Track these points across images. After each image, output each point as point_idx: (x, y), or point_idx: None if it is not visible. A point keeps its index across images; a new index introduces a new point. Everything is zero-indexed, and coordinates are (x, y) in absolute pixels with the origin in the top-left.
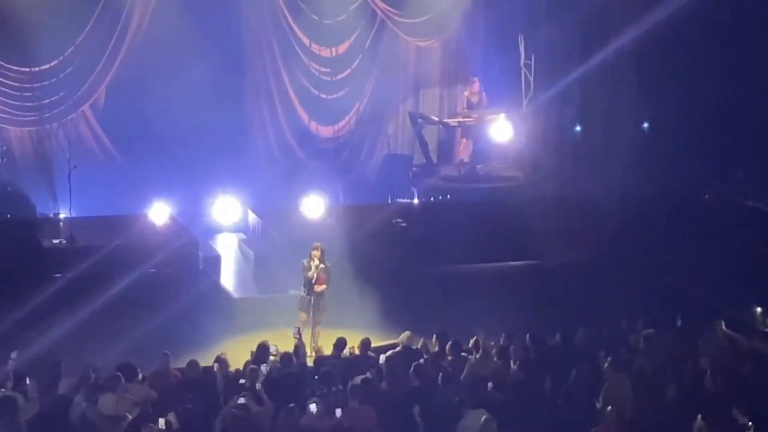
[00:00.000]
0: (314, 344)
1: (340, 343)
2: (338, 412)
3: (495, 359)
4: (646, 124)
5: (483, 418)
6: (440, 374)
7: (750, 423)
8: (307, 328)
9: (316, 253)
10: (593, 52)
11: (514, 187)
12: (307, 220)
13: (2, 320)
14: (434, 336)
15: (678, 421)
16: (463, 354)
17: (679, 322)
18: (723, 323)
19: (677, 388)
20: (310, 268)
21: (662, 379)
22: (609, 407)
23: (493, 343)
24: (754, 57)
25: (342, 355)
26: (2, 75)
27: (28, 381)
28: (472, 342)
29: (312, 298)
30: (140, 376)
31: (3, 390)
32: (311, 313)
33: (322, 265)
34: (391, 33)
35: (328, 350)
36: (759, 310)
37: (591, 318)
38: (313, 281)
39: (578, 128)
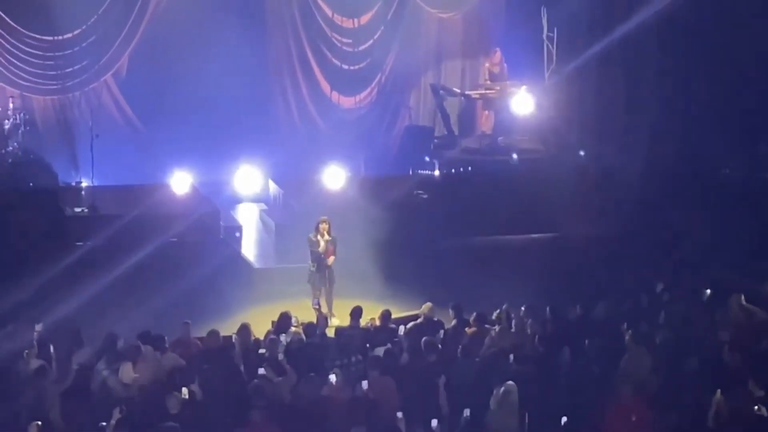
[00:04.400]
0: (330, 314)
1: (357, 312)
2: (364, 384)
3: (516, 332)
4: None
5: (502, 389)
6: (459, 347)
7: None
8: (322, 299)
9: (325, 227)
10: (616, 25)
11: (535, 159)
12: (328, 190)
13: (25, 288)
14: (450, 309)
15: (697, 393)
16: (486, 326)
17: (705, 295)
18: (742, 296)
19: (697, 362)
20: (319, 243)
21: (682, 352)
22: (627, 380)
23: (513, 315)
24: None
25: (362, 326)
26: (25, 44)
27: (51, 349)
28: (495, 314)
29: (323, 272)
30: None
31: (25, 354)
32: (325, 286)
33: (328, 238)
34: (413, 4)
35: (343, 319)
36: None
37: (611, 291)
38: (324, 255)
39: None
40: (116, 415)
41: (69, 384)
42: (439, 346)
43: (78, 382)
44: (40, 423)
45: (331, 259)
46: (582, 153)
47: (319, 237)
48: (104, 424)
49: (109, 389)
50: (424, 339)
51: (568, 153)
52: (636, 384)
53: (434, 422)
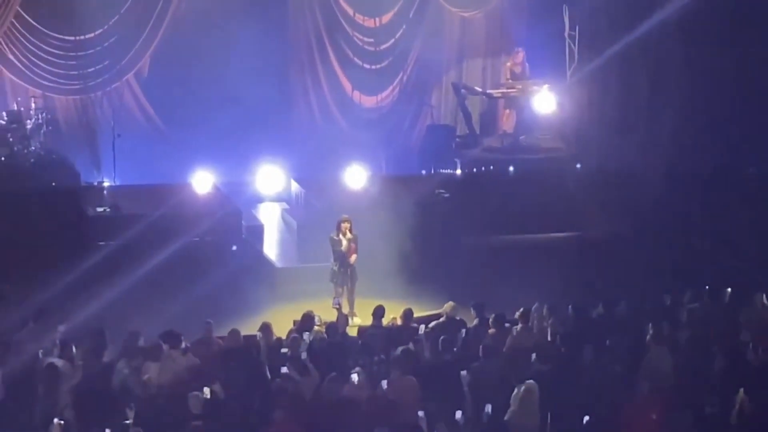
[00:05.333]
0: (352, 314)
1: (379, 312)
2: (384, 384)
3: (537, 330)
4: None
5: (523, 388)
6: (481, 346)
7: None
8: (343, 298)
9: (347, 226)
10: (638, 22)
11: (557, 158)
12: (350, 189)
13: (47, 288)
14: (471, 308)
15: (720, 393)
16: (507, 325)
17: (727, 295)
18: (764, 296)
19: (719, 361)
20: (341, 242)
21: (704, 351)
22: (645, 380)
23: (536, 314)
24: None
25: (384, 325)
26: (47, 43)
27: (74, 349)
28: (518, 313)
29: (345, 270)
30: (183, 344)
31: (41, 353)
32: (347, 284)
33: (350, 236)
34: (435, 3)
35: (365, 319)
36: None
37: (633, 289)
38: (346, 253)
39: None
40: (130, 413)
41: (89, 383)
42: (459, 345)
43: (98, 380)
44: (62, 422)
45: (353, 258)
46: (603, 153)
47: (341, 236)
48: (127, 422)
49: (129, 388)
50: (441, 338)
51: (590, 151)
52: (657, 383)
53: (458, 413)
